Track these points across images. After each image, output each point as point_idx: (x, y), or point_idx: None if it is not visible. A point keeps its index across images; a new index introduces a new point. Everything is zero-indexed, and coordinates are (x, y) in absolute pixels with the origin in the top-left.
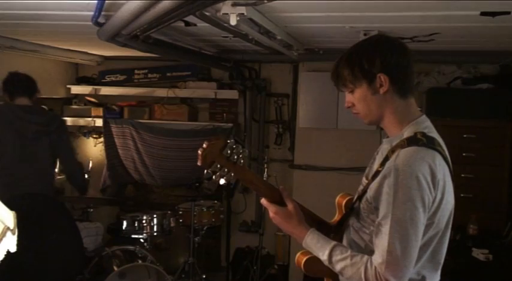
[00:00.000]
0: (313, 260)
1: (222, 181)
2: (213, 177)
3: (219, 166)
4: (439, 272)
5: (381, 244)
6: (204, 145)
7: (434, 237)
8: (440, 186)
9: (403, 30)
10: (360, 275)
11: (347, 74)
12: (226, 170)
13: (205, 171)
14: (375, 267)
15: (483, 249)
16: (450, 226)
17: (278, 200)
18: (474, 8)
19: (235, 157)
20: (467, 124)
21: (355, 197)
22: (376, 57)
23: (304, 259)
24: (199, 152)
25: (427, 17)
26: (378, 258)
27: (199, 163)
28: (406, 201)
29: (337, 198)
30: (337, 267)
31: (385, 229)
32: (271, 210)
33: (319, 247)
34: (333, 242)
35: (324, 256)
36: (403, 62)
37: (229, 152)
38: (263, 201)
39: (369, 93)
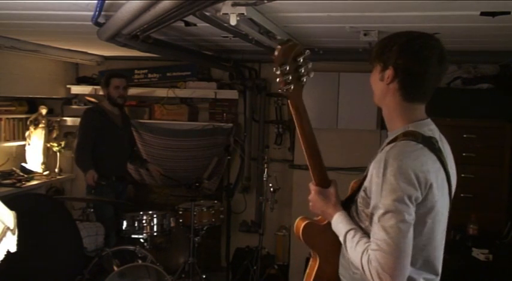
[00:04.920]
0: (311, 227)
1: (279, 90)
2: (277, 79)
3: (288, 69)
4: (432, 275)
5: (373, 232)
6: (288, 41)
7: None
8: (428, 185)
9: (403, 30)
10: (358, 259)
11: (375, 51)
12: (290, 78)
13: (274, 68)
14: (369, 254)
15: (483, 249)
16: (441, 228)
17: (312, 145)
18: (474, 8)
19: (303, 70)
20: (467, 124)
21: (355, 189)
22: (395, 54)
23: (303, 223)
24: (279, 46)
25: (427, 17)
26: (372, 245)
27: (274, 56)
28: (392, 191)
29: (351, 183)
30: (347, 249)
31: (375, 218)
32: (313, 190)
33: (340, 227)
34: (352, 226)
35: (341, 237)
36: (418, 70)
37: (301, 61)
38: (311, 185)
39: (378, 77)
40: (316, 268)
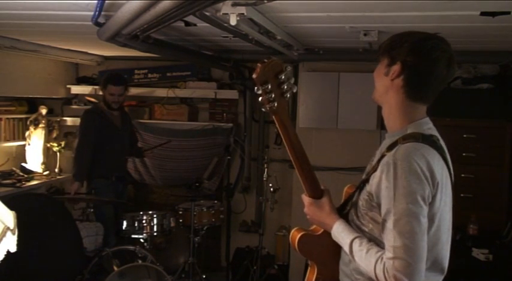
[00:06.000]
0: (307, 238)
1: (263, 109)
2: (260, 98)
3: (269, 87)
4: (439, 274)
5: (388, 239)
6: (266, 60)
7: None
8: (436, 184)
9: (403, 30)
10: (371, 268)
11: (384, 45)
12: (273, 96)
13: (255, 87)
14: (384, 262)
15: (483, 249)
16: (446, 226)
17: (302, 157)
18: (474, 8)
19: (285, 87)
20: (467, 124)
21: (353, 190)
22: (405, 51)
23: (299, 235)
24: (259, 65)
25: (427, 17)
26: (387, 253)
27: (254, 76)
28: (406, 194)
29: (345, 189)
30: (356, 258)
31: (389, 224)
32: (306, 202)
33: (343, 236)
34: (355, 234)
35: (345, 246)
36: (425, 70)
37: (283, 78)
38: (303, 196)
39: (383, 72)
40: (314, 277)
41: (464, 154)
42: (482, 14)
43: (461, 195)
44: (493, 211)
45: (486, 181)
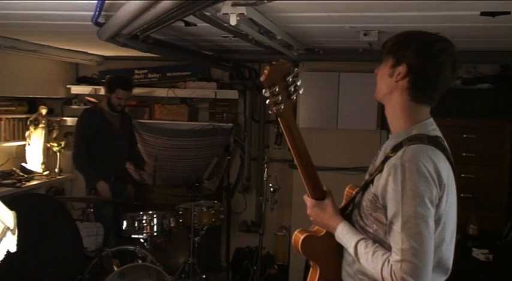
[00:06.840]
0: (310, 239)
1: (270, 111)
2: (267, 101)
3: (277, 89)
4: (443, 274)
5: (395, 242)
6: (274, 62)
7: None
8: (442, 185)
9: (403, 30)
10: (377, 271)
11: (389, 45)
12: (280, 98)
13: (263, 90)
14: (391, 265)
15: (483, 249)
16: (451, 226)
17: (306, 159)
18: (474, 8)
19: (292, 89)
20: (467, 124)
21: (356, 191)
22: (412, 53)
23: (302, 237)
24: (268, 67)
25: (427, 17)
26: (394, 256)
27: (262, 79)
28: (414, 197)
29: (347, 189)
30: (361, 261)
31: (397, 227)
32: (309, 204)
33: (347, 238)
34: (360, 236)
35: (350, 248)
36: (431, 73)
37: (290, 80)
38: (305, 198)
39: (387, 72)
40: (317, 278)
41: (464, 154)
42: (483, 14)
43: (461, 195)
44: (493, 211)
45: (486, 181)
